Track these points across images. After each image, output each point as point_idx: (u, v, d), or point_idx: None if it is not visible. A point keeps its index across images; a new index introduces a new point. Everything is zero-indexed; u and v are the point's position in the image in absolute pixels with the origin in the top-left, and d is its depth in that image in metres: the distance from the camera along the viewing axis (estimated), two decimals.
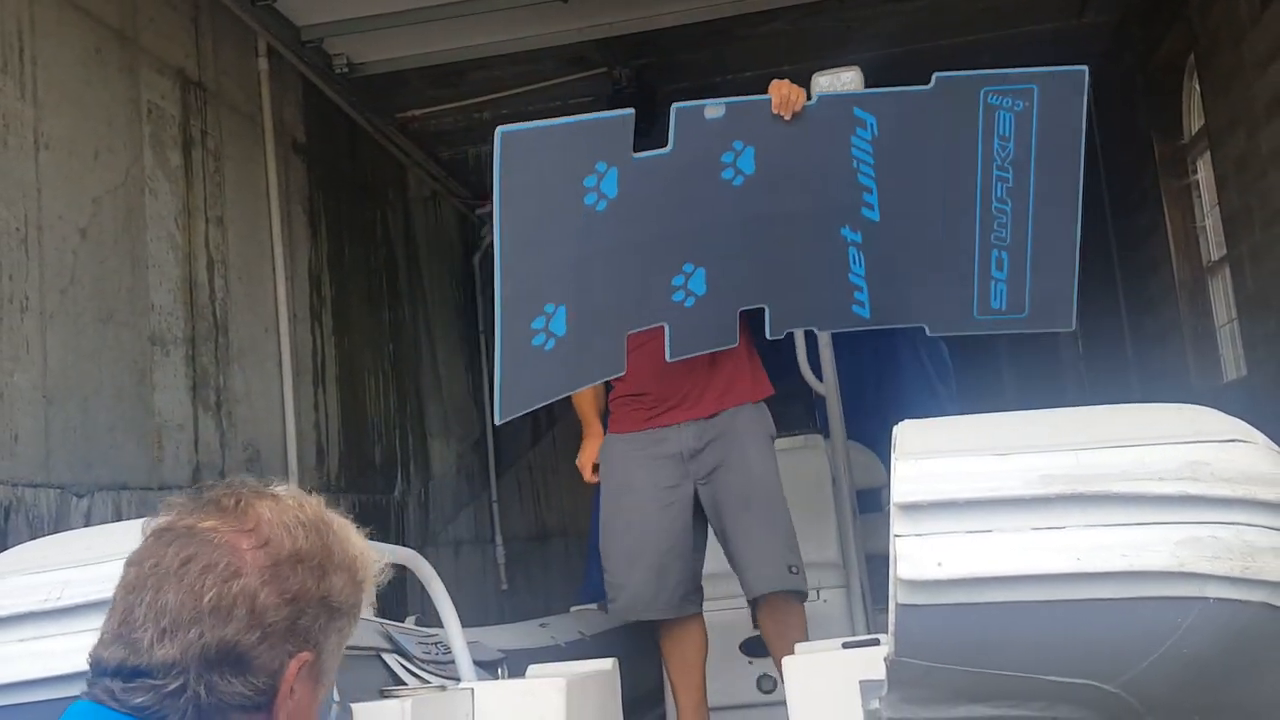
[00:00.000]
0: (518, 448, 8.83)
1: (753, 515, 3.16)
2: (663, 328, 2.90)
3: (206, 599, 1.10)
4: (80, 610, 1.41)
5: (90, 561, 1.47)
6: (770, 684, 3.72)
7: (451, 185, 7.79)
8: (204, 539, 1.13)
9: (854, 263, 2.86)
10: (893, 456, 1.26)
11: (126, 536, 1.59)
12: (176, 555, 1.12)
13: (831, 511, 4.02)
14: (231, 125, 5.03)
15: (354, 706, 1.60)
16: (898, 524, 1.19)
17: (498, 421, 2.73)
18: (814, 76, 3.88)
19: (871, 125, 2.81)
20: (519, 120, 2.75)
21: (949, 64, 7.01)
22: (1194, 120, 5.87)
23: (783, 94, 2.91)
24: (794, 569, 3.13)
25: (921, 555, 1.16)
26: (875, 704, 1.25)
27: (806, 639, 2.84)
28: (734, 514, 3.17)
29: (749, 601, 3.22)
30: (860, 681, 1.41)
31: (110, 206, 4.12)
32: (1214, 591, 1.12)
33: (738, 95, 2.96)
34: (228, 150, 4.98)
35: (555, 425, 9.18)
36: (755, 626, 3.33)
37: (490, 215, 4.44)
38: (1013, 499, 1.17)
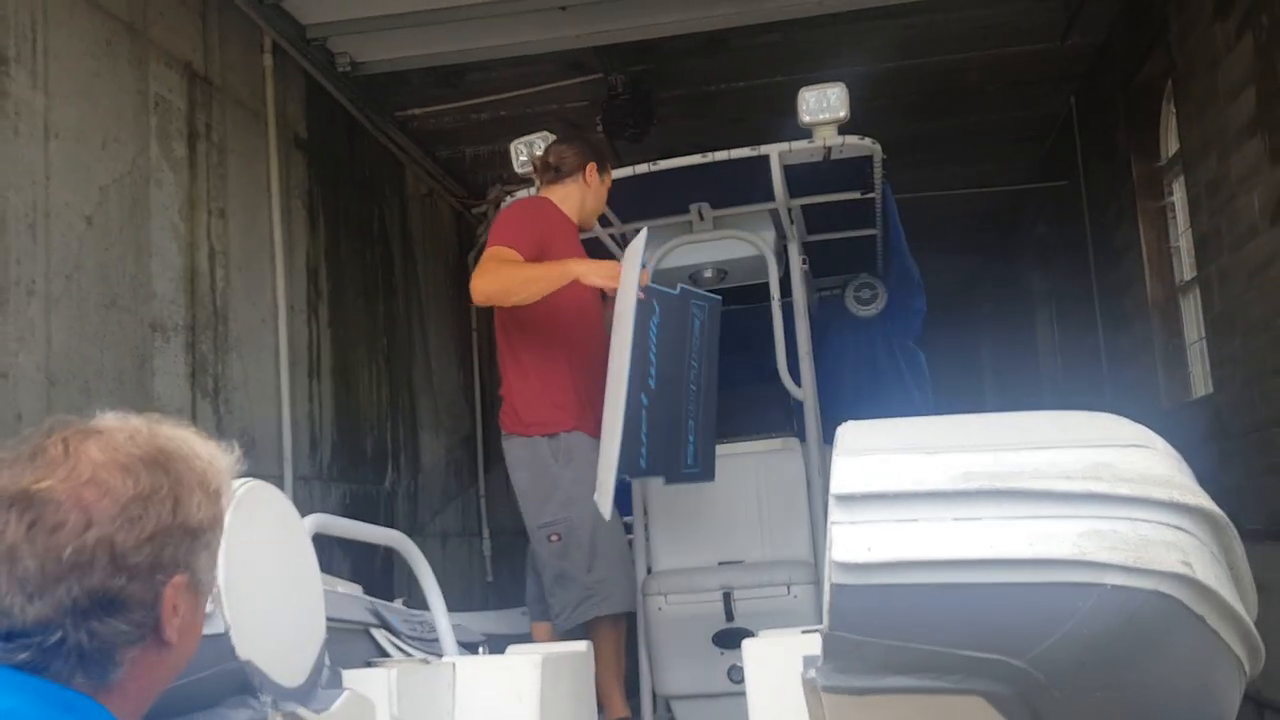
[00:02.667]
0: None
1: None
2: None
3: (65, 555, 1.10)
4: None
5: None
6: (740, 674, 3.85)
7: (448, 184, 7.92)
8: (43, 500, 1.12)
9: (643, 425, 3.39)
10: (834, 453, 1.41)
11: None
12: (20, 522, 1.11)
13: (805, 511, 4.16)
14: (235, 119, 5.16)
15: (344, 673, 1.73)
16: (834, 513, 1.34)
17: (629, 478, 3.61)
18: (800, 92, 4.03)
19: (658, 312, 3.45)
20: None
21: (938, 80, 7.17)
22: (1170, 143, 6.03)
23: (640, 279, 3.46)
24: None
25: (853, 541, 1.31)
26: (812, 673, 1.39)
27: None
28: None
29: None
30: (804, 656, 1.55)
31: (116, 195, 4.24)
32: (1111, 579, 1.27)
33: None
34: (231, 144, 5.11)
35: None
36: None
37: (485, 215, 4.71)
38: (936, 492, 1.32)
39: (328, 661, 1.67)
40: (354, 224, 6.45)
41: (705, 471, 3.67)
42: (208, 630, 1.39)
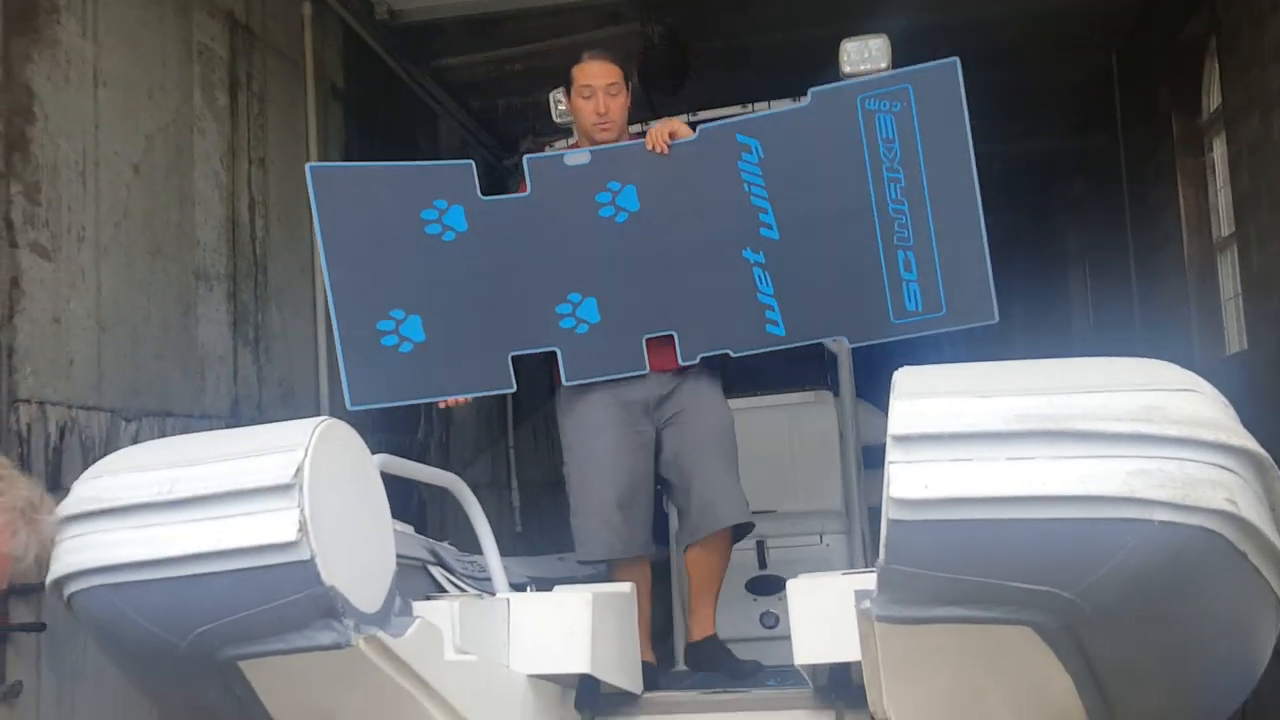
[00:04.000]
0: (535, 399, 9.04)
1: (713, 458, 3.35)
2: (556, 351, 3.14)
3: None
4: (188, 503, 1.62)
5: (193, 462, 1.68)
6: (773, 620, 3.95)
7: (481, 135, 7.92)
8: None
9: (760, 283, 2.97)
10: (892, 397, 1.46)
11: (220, 441, 1.81)
12: None
13: (838, 464, 4.22)
14: (275, 68, 5.19)
15: (414, 604, 1.81)
16: (892, 453, 1.40)
17: (349, 407, 3.12)
18: (842, 43, 4.02)
19: (756, 149, 2.94)
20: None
21: (978, 35, 7.09)
22: (1212, 101, 5.97)
23: (652, 135, 3.16)
24: (747, 504, 3.38)
25: (911, 479, 1.36)
26: (866, 604, 1.45)
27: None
28: (695, 456, 3.36)
29: (689, 540, 3.40)
30: (856, 590, 1.61)
31: (161, 144, 4.30)
32: (1159, 515, 1.33)
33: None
34: (271, 93, 5.15)
35: None
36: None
37: (517, 166, 4.72)
38: (990, 433, 1.37)
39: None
40: None
41: (959, 311, 2.87)
42: (293, 557, 1.47)
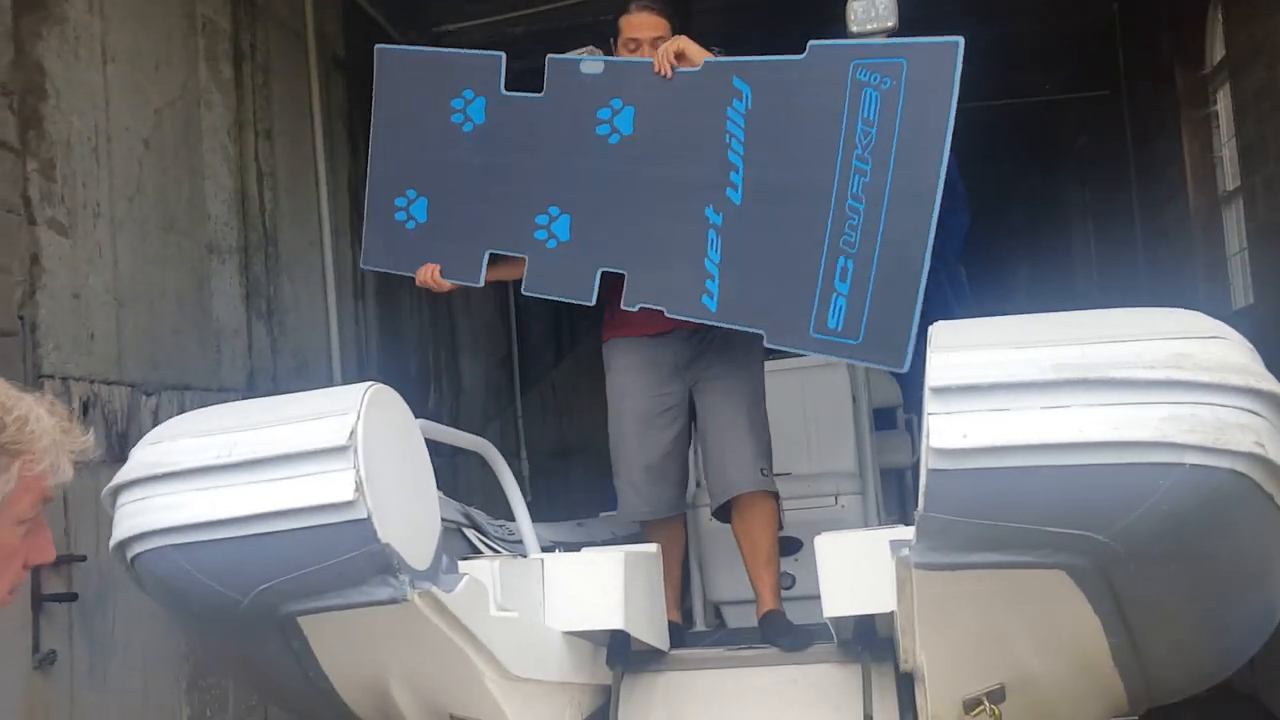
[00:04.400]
0: (542, 366, 9.09)
1: (730, 424, 3.30)
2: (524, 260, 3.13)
3: None
4: (248, 465, 1.66)
5: (250, 427, 1.72)
6: (789, 580, 4.00)
7: None
8: None
9: (711, 248, 2.81)
10: (928, 351, 1.50)
11: (277, 406, 1.86)
12: None
13: (851, 426, 4.27)
14: (277, 40, 5.18)
15: (460, 563, 1.85)
16: (931, 404, 1.44)
17: (362, 266, 3.59)
18: (849, 2, 4.01)
19: (747, 96, 2.74)
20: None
21: None
22: (1216, 51, 5.95)
23: (659, 54, 3.04)
24: (764, 471, 3.31)
25: (950, 429, 1.41)
26: (905, 552, 1.50)
27: (778, 531, 3.08)
28: (714, 421, 3.33)
29: (718, 505, 3.36)
30: (890, 541, 1.66)
31: (170, 118, 4.30)
32: (1191, 459, 1.37)
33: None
34: (274, 64, 5.14)
35: (577, 346, 9.43)
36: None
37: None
38: (1027, 383, 1.41)
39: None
40: None
41: (873, 345, 2.59)
42: (350, 516, 1.52)
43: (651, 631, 2.62)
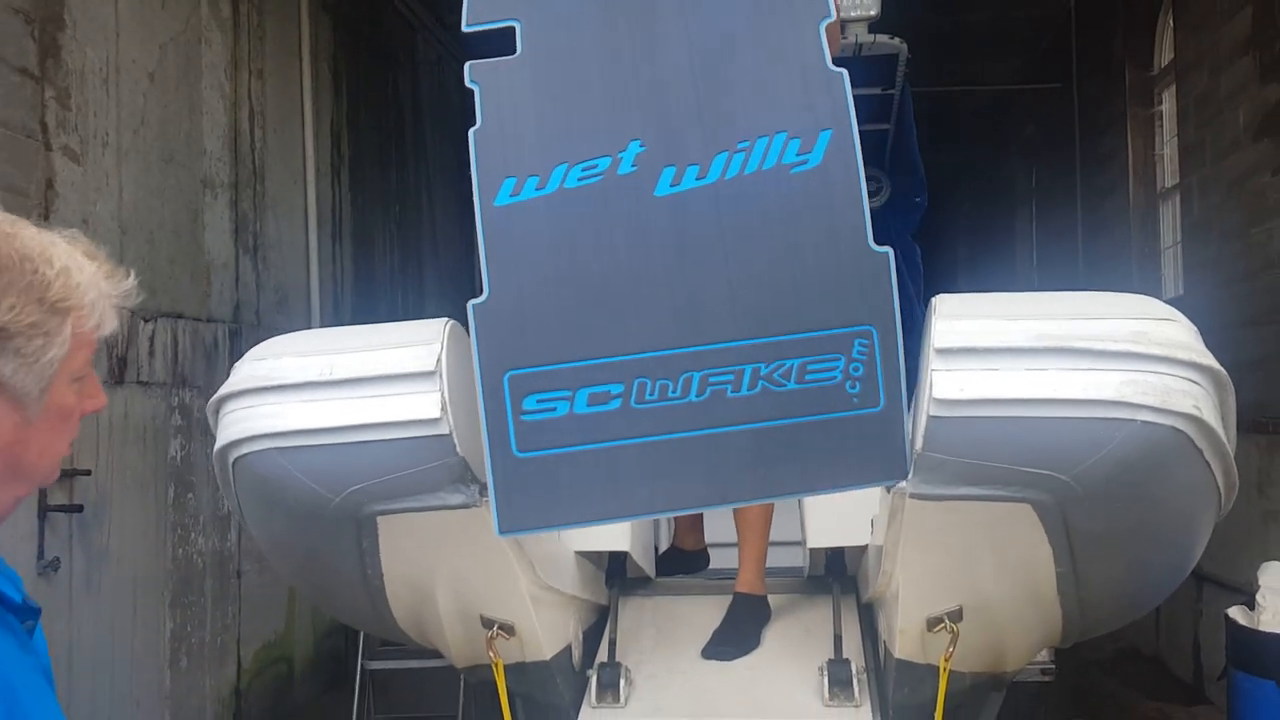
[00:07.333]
0: None
1: None
2: None
3: None
4: (347, 383, 1.90)
5: (345, 350, 1.96)
6: None
7: (455, 50, 8.00)
8: None
9: None
10: (932, 318, 1.80)
11: (362, 334, 2.08)
12: None
13: None
14: None
15: None
16: (934, 362, 1.74)
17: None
18: None
19: None
20: None
21: None
22: (1165, 54, 6.32)
23: None
24: None
25: (949, 383, 1.71)
26: (902, 484, 1.80)
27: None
28: None
29: None
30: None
31: (173, 53, 4.41)
32: (1142, 416, 1.70)
33: None
34: (268, 5, 5.23)
35: None
36: None
37: None
38: (1015, 348, 1.73)
39: None
40: (372, 90, 6.60)
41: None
42: (435, 431, 1.75)
43: (644, 559, 2.91)
